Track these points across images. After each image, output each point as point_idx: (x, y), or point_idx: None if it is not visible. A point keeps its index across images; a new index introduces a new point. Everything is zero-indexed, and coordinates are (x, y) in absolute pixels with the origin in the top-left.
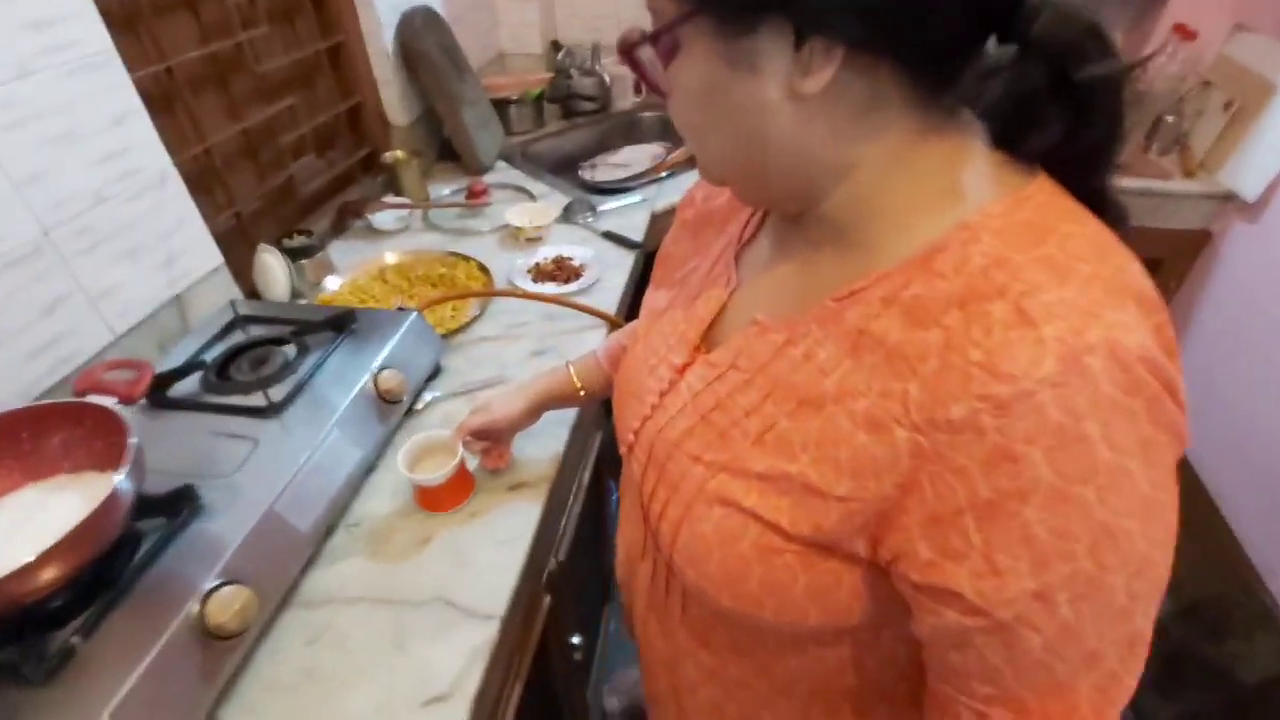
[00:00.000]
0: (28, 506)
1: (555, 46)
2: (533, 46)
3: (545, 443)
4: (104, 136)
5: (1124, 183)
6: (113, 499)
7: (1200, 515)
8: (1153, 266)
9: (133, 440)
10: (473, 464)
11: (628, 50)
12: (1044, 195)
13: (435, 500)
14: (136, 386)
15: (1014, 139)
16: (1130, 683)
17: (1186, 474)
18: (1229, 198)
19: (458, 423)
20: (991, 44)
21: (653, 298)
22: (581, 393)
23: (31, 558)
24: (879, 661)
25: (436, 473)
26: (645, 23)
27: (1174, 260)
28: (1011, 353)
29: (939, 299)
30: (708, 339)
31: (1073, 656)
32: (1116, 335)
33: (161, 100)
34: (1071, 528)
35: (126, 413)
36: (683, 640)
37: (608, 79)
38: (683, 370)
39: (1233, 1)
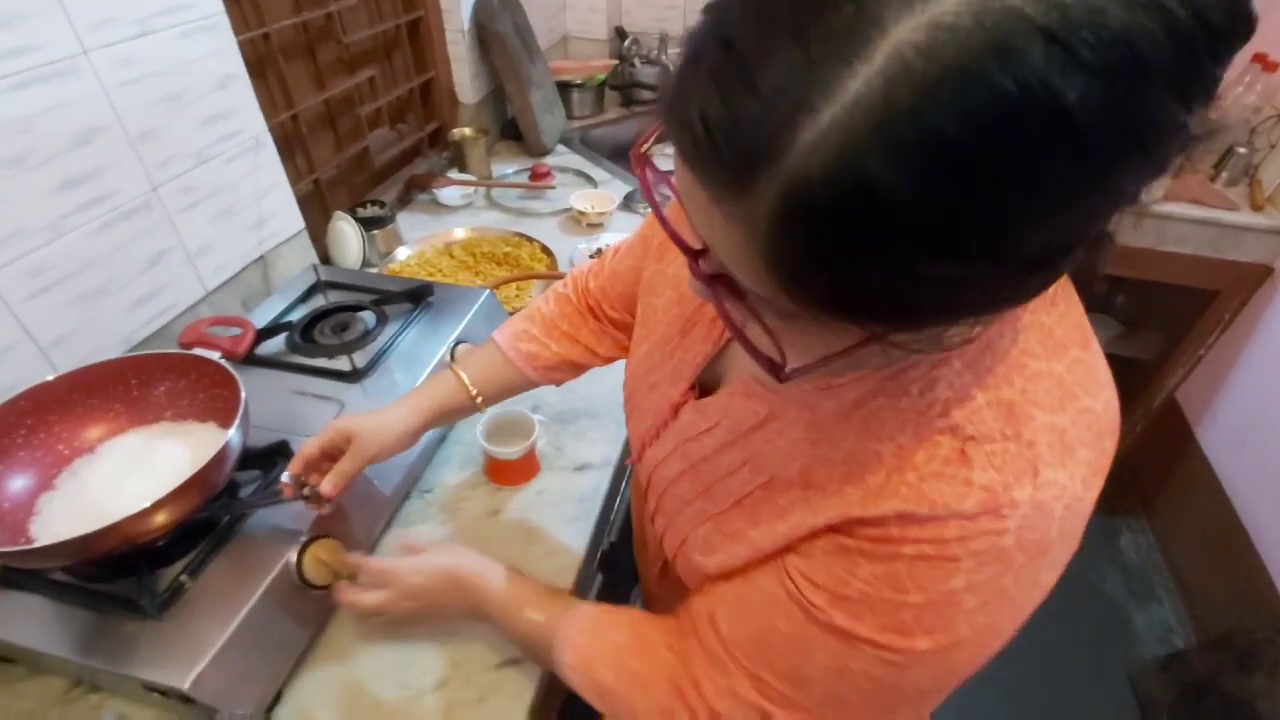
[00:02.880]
0: (134, 450)
1: (619, 33)
2: (597, 32)
3: (609, 426)
4: (210, 98)
5: (1188, 211)
6: (224, 451)
7: (1234, 550)
8: (1208, 298)
9: (244, 396)
10: (542, 443)
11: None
12: (1029, 317)
13: (505, 474)
14: (240, 343)
15: None
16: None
17: (1222, 508)
18: None
19: (528, 400)
20: None
21: (650, 289)
22: (479, 399)
23: (148, 502)
24: None
25: (513, 448)
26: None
27: (1231, 293)
28: (940, 486)
29: (898, 416)
30: (704, 374)
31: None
32: (1042, 498)
33: (258, 66)
34: (948, 620)
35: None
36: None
37: (672, 69)
38: (676, 410)
39: None
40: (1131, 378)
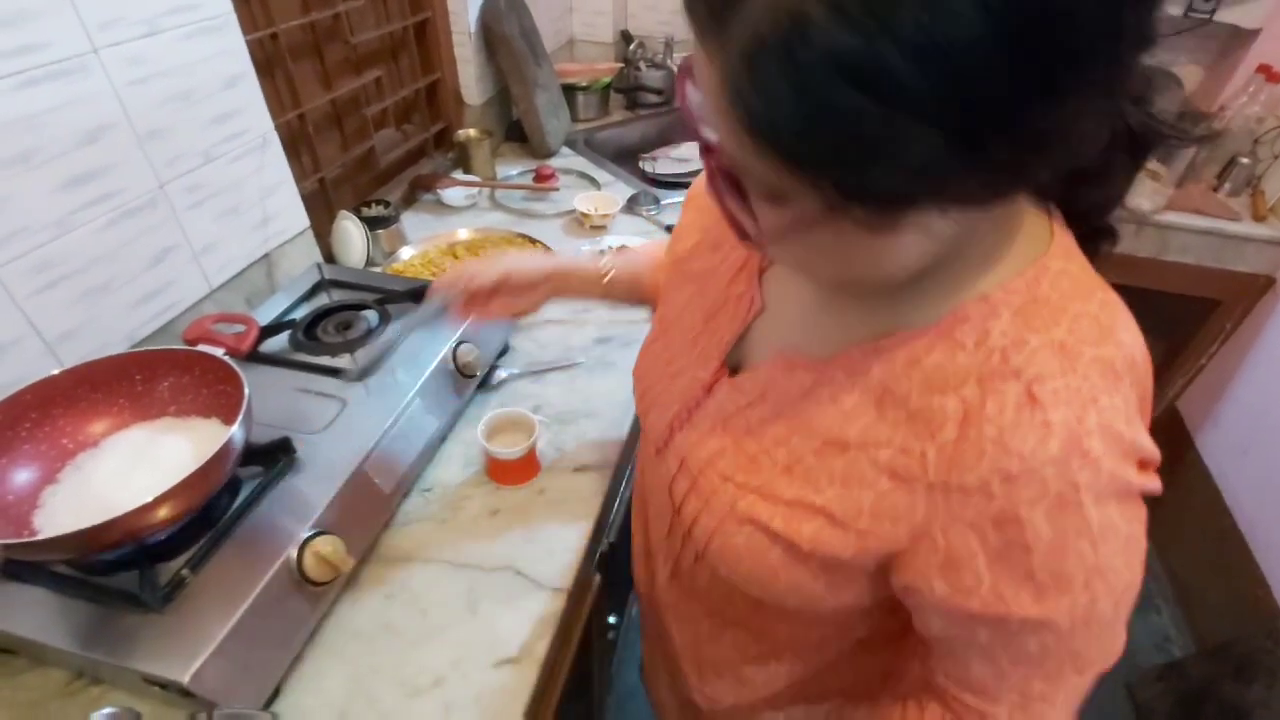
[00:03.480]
0: (138, 445)
1: (625, 37)
2: (603, 35)
3: (610, 428)
4: (218, 98)
5: (1190, 221)
6: (228, 447)
7: (1233, 559)
8: (1210, 308)
9: (248, 392)
10: (542, 443)
11: (717, 179)
12: (1059, 264)
13: (506, 473)
14: (244, 340)
15: (1067, 196)
16: (1109, 662)
17: (1222, 517)
18: None
19: (532, 400)
20: None
21: (668, 289)
22: (605, 281)
23: (151, 497)
24: (869, 627)
25: (514, 448)
26: None
27: (1233, 302)
28: (1022, 433)
29: (959, 370)
30: (731, 357)
31: (1061, 655)
32: (1109, 420)
33: (265, 65)
34: (1068, 570)
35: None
36: (704, 604)
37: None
38: (709, 389)
39: None
40: None
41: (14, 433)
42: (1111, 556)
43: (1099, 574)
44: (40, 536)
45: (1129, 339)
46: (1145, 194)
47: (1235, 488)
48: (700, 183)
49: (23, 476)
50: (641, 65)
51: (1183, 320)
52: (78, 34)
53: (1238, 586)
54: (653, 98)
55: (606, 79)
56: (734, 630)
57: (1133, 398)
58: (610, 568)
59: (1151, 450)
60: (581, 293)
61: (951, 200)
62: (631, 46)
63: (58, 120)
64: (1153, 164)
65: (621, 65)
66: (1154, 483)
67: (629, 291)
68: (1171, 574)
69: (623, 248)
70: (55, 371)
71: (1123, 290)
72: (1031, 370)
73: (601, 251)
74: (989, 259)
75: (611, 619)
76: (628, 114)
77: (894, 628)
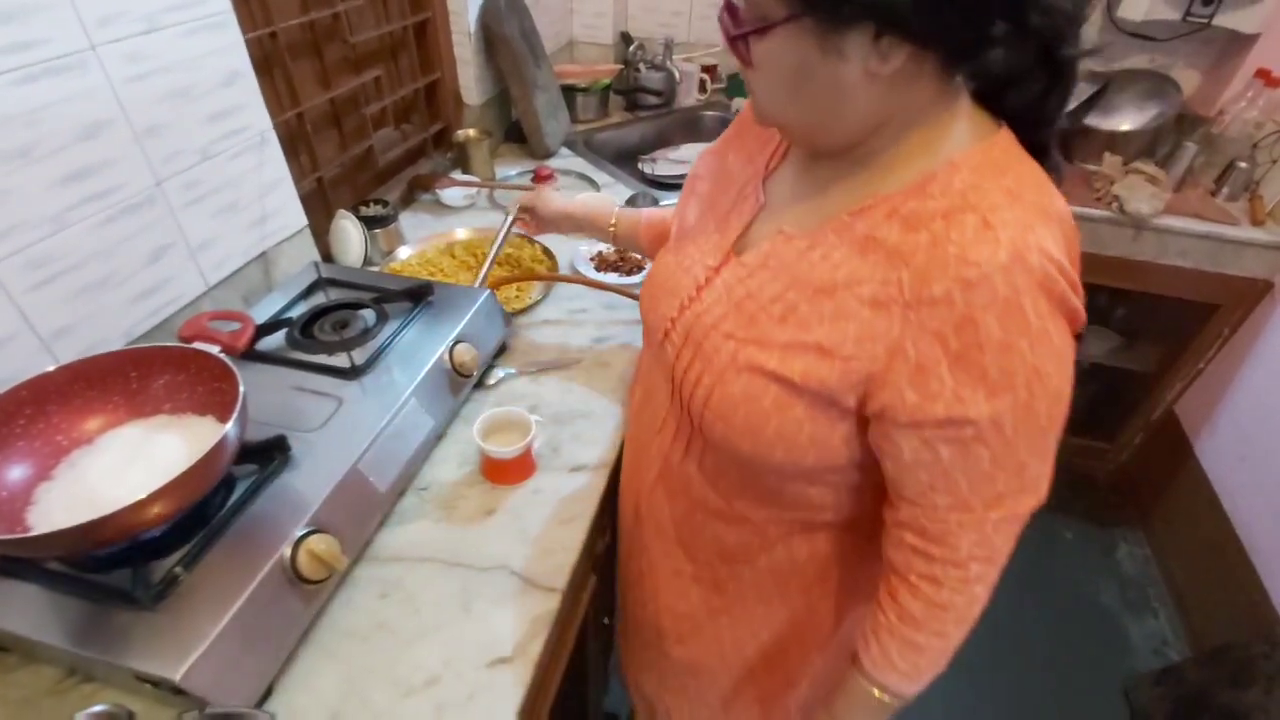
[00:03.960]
0: (132, 442)
1: (624, 38)
2: (603, 37)
3: (606, 428)
4: (216, 95)
5: (1189, 225)
6: (222, 445)
7: (1231, 564)
8: (1208, 312)
9: (243, 390)
10: (538, 443)
11: (730, 32)
12: (1005, 143)
13: (501, 473)
14: (240, 338)
15: (994, 96)
16: (1042, 492)
17: (1220, 522)
18: None
19: (528, 399)
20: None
21: (684, 210)
22: (612, 228)
23: (145, 494)
24: (849, 499)
25: (509, 447)
26: (715, 22)
27: (1231, 307)
28: (978, 247)
29: (929, 212)
30: (737, 246)
31: (1009, 467)
32: (1045, 244)
33: (264, 64)
34: (1013, 367)
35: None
36: (695, 491)
37: (677, 75)
38: (718, 270)
39: None
40: (1130, 390)
41: (8, 429)
42: (1045, 359)
43: (1036, 375)
44: (33, 533)
45: (1060, 204)
46: (1144, 198)
47: (1233, 492)
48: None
49: (16, 473)
50: (641, 67)
51: (1181, 324)
52: (76, 30)
53: (1235, 591)
54: (652, 99)
55: (606, 80)
56: (714, 525)
57: (1060, 239)
58: (607, 569)
59: (1078, 282)
60: (593, 233)
61: (887, 25)
62: (631, 48)
63: (55, 116)
64: (1150, 167)
65: (621, 67)
66: (1081, 312)
67: (629, 237)
68: (1169, 578)
69: (619, 250)
70: (51, 368)
71: (1120, 294)
72: (985, 204)
73: (594, 256)
74: (944, 137)
75: (606, 620)
76: (627, 115)
77: (851, 515)
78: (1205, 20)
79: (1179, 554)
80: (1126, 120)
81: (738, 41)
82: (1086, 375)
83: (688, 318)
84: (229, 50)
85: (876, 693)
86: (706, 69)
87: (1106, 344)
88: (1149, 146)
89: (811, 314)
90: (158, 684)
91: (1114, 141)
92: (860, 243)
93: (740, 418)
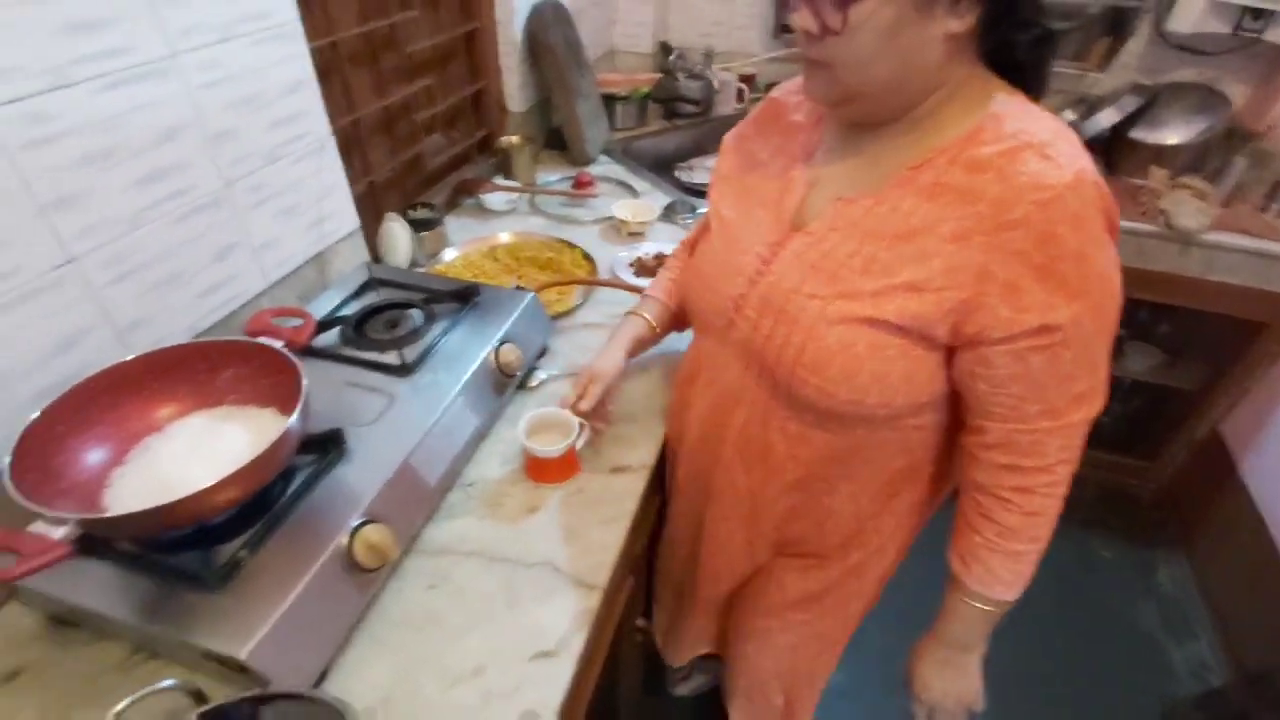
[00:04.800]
0: (199, 431)
1: (664, 48)
2: (643, 46)
3: (647, 431)
4: (282, 102)
5: (1237, 240)
6: (286, 436)
7: (1275, 587)
8: (1256, 330)
9: (305, 384)
10: (580, 443)
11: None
12: (1022, 96)
13: (544, 472)
14: (302, 333)
15: (1007, 65)
16: (1106, 395)
17: (1264, 544)
18: None
19: (567, 400)
20: None
21: (719, 208)
22: (656, 330)
23: (213, 480)
24: (921, 444)
25: (554, 446)
26: (755, 32)
27: (1279, 325)
28: (1045, 173)
29: (988, 156)
30: (794, 222)
31: (1086, 365)
32: (1092, 168)
33: (324, 72)
34: (1087, 273)
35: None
36: (774, 458)
37: (716, 84)
38: (782, 244)
39: None
40: (1173, 407)
41: (86, 415)
42: (1108, 264)
43: (1103, 278)
44: (110, 514)
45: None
46: (1190, 212)
47: (1278, 514)
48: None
49: (94, 457)
50: (680, 76)
51: (1227, 342)
52: (159, 40)
53: (1279, 614)
54: (690, 108)
55: (645, 89)
56: (790, 494)
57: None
58: (644, 571)
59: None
60: (647, 348)
61: None
62: (671, 57)
63: (137, 120)
64: (1198, 182)
65: (660, 75)
66: (1117, 227)
67: (668, 318)
68: (1210, 600)
69: (659, 256)
70: (129, 358)
71: (1165, 309)
72: (1038, 140)
73: (634, 261)
74: (980, 94)
75: (640, 621)
76: (664, 124)
77: (921, 460)
78: (1257, 34)
79: (1221, 576)
80: (1174, 134)
81: (834, 6)
82: (1129, 392)
83: (762, 288)
84: (294, 59)
85: (981, 606)
86: (744, 78)
87: (1150, 360)
88: (1197, 161)
89: (894, 259)
90: (223, 662)
91: (1161, 155)
92: (928, 190)
93: (836, 367)
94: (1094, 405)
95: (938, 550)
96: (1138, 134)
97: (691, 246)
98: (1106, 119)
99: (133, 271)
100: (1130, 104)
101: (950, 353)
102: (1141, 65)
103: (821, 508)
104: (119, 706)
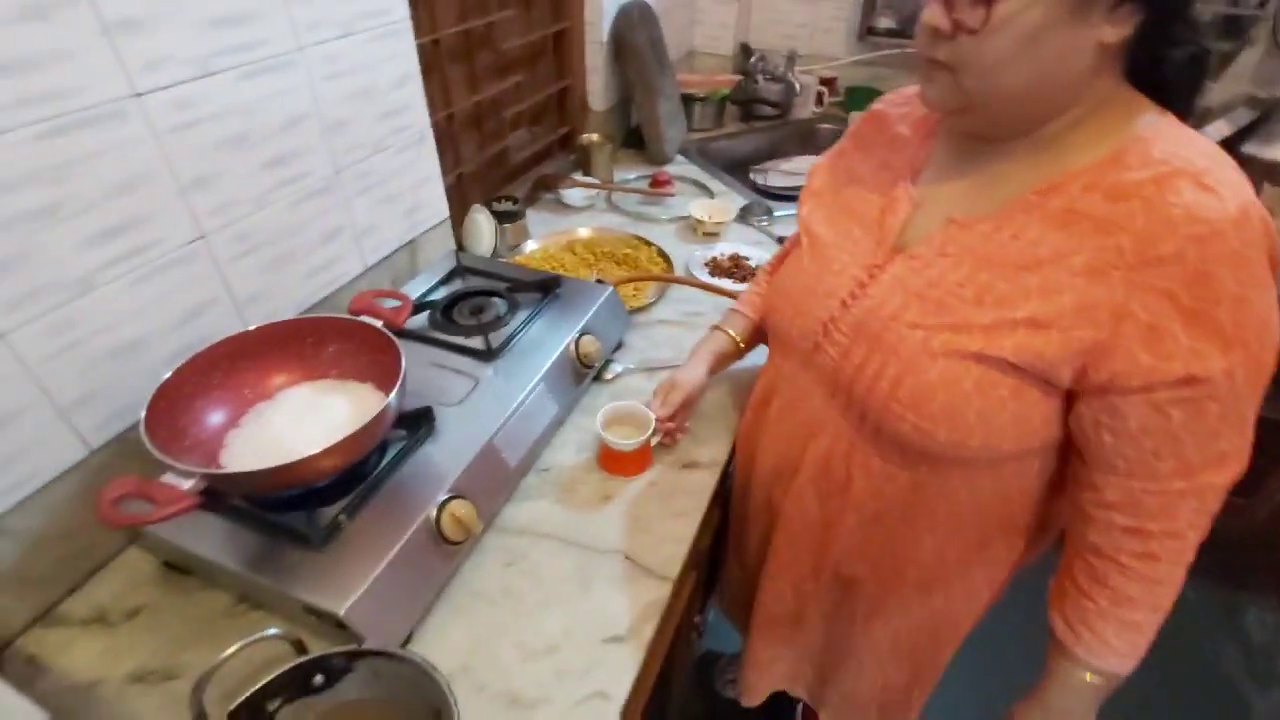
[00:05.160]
0: (306, 400)
1: (745, 50)
2: (723, 48)
3: (718, 429)
4: (390, 95)
5: None
6: (387, 410)
7: None
8: None
9: (404, 364)
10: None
11: None
12: (1172, 116)
13: (618, 464)
14: (400, 315)
15: (1154, 84)
16: (1248, 457)
17: None
18: None
19: (644, 395)
20: None
21: (811, 224)
22: (742, 346)
23: (320, 447)
24: (1020, 490)
25: (630, 439)
26: (839, 35)
27: None
28: (1204, 205)
29: (1133, 182)
30: (897, 243)
31: (1234, 423)
32: (1259, 203)
33: (426, 68)
34: (1246, 320)
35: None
36: (854, 494)
37: (797, 87)
38: (882, 267)
39: None
40: (1274, 441)
41: (208, 379)
42: (1270, 310)
43: (1264, 325)
44: (228, 471)
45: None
46: None
47: None
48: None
49: (214, 418)
50: (759, 78)
51: None
52: (289, 33)
53: None
54: (768, 110)
55: (725, 90)
56: (867, 529)
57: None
58: (707, 567)
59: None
60: (731, 363)
61: None
62: (752, 59)
63: (266, 109)
64: None
65: (740, 78)
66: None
67: (753, 332)
68: None
69: (734, 257)
70: (251, 328)
71: None
72: (1195, 168)
73: (709, 261)
74: (1123, 115)
75: (696, 617)
76: (741, 126)
77: (1017, 510)
78: None
79: None
80: None
81: (974, 2)
82: None
83: (856, 314)
84: (403, 55)
85: (1090, 677)
86: (825, 81)
87: None
88: None
89: (1014, 291)
90: (322, 616)
91: (1274, 171)
92: (1058, 217)
93: (938, 404)
94: (1237, 467)
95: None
96: (1250, 149)
97: (779, 263)
98: (1216, 132)
99: (253, 249)
100: (1243, 117)
101: (1069, 397)
102: (1257, 77)
103: (900, 550)
104: (230, 650)
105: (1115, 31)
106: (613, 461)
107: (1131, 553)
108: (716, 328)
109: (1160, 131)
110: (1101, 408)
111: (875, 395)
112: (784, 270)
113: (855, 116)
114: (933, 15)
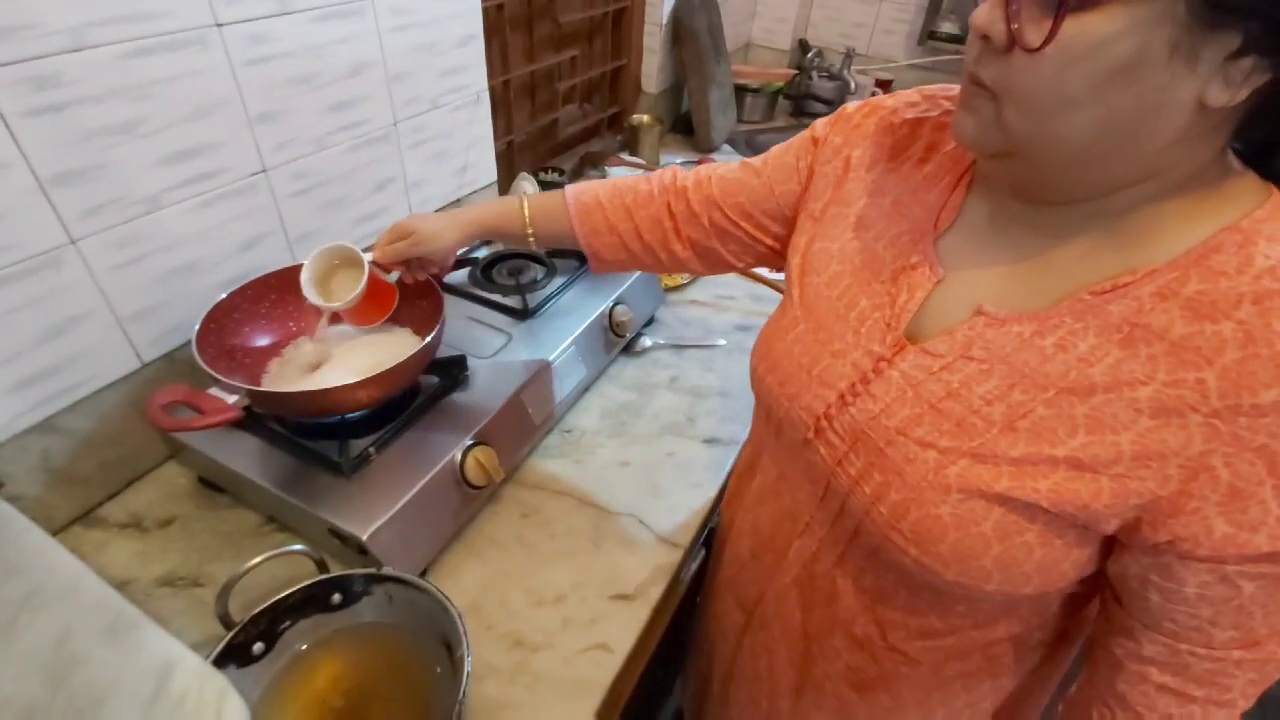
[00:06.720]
0: (343, 338)
1: (802, 46)
2: (780, 42)
3: (738, 409)
4: (451, 53)
5: None
6: (422, 352)
7: None
8: None
9: (445, 312)
10: (675, 412)
11: None
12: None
13: (361, 316)
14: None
15: (1268, 167)
16: None
17: None
18: None
19: (673, 370)
20: None
21: (809, 273)
22: (531, 237)
23: (356, 379)
24: (1034, 613)
25: (349, 295)
26: (899, 37)
27: None
28: None
29: (1227, 295)
30: (910, 328)
31: None
32: None
33: (488, 32)
34: None
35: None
36: (841, 609)
37: (852, 85)
38: (890, 360)
39: None
40: None
41: (257, 308)
42: None
43: None
44: (276, 389)
45: None
46: None
47: None
48: (827, 134)
49: (261, 343)
50: (814, 75)
51: None
52: None
53: None
54: (820, 107)
55: (779, 83)
56: (855, 652)
57: None
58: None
59: None
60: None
61: (1254, 48)
62: (809, 55)
63: (335, 52)
64: None
65: (795, 72)
66: None
67: (555, 240)
68: None
69: None
70: (304, 262)
71: None
72: None
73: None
74: (1218, 198)
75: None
76: (791, 120)
77: (1030, 648)
78: None
79: None
80: None
81: (1042, 9)
82: None
83: (854, 417)
84: (468, 14)
85: None
86: (881, 83)
87: None
88: None
89: (1056, 419)
90: (345, 540)
91: None
92: (1121, 330)
93: (947, 545)
94: None
95: None
96: None
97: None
98: None
99: (310, 189)
100: None
101: (1111, 541)
102: None
103: (897, 674)
104: (255, 560)
105: (1226, 93)
106: (355, 316)
107: (1165, 714)
108: (526, 199)
109: (1262, 224)
110: (1154, 567)
111: (873, 519)
112: (773, 326)
113: None
114: (984, 16)
